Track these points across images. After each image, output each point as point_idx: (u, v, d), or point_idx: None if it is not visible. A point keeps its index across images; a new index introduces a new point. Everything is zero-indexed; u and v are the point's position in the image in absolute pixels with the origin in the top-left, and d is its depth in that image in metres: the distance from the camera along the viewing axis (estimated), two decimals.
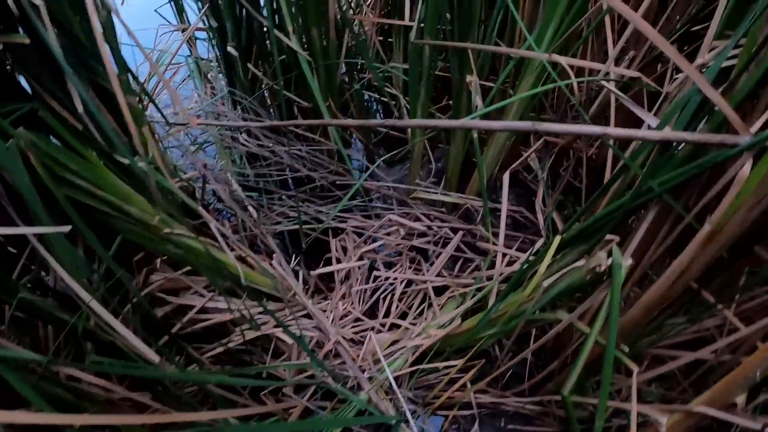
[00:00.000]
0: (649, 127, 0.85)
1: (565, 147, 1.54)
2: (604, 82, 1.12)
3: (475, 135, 1.26)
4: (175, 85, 1.88)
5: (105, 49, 0.91)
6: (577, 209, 1.52)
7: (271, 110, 1.61)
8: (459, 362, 1.18)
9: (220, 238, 1.20)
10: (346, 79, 1.64)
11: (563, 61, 1.12)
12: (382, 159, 1.09)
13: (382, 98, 1.68)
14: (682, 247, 0.81)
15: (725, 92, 0.73)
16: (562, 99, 1.57)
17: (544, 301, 0.97)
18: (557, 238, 1.02)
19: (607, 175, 1.18)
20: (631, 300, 0.97)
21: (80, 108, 1.03)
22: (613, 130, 0.80)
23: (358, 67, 1.66)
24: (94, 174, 1.02)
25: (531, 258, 1.24)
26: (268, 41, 1.44)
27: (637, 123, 1.41)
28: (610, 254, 0.88)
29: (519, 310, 1.03)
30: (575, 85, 1.15)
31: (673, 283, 0.84)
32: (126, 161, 1.04)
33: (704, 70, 0.85)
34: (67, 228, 0.77)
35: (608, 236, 0.91)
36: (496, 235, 1.33)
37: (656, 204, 0.85)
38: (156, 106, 1.36)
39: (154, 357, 0.98)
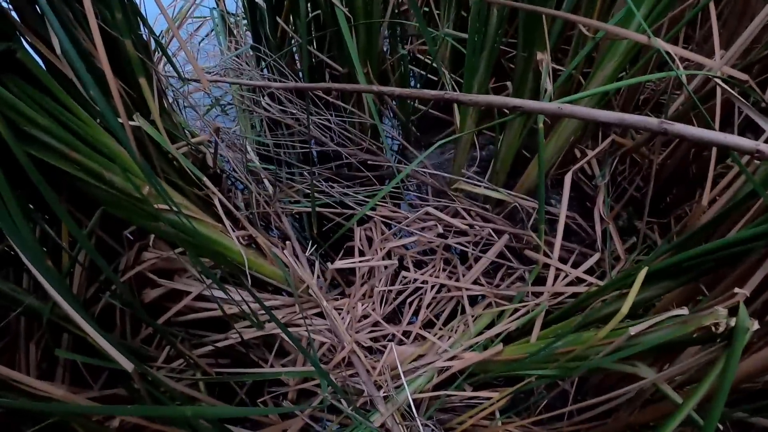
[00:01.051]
0: None
1: (629, 151, 1.21)
2: (720, 82, 0.79)
3: (541, 124, 0.94)
4: (198, 40, 1.56)
5: None
6: (636, 224, 1.20)
7: (300, 73, 1.29)
8: (493, 395, 0.89)
9: (224, 218, 0.91)
10: (387, 48, 1.31)
11: (669, 48, 0.79)
12: (436, 146, 0.78)
13: (428, 74, 1.34)
14: None
15: None
16: (633, 93, 1.23)
17: (628, 351, 0.68)
18: (643, 271, 0.72)
19: (706, 197, 0.86)
20: None
21: (58, 48, 0.74)
22: None
23: (404, 34, 1.32)
24: (66, 132, 0.72)
25: (592, 286, 0.95)
26: None
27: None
28: (732, 312, 0.59)
29: (586, 352, 0.73)
30: (684, 78, 0.82)
31: None
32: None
33: None
34: None
35: (737, 289, 0.61)
36: (547, 244, 1.03)
37: None
38: (168, 57, 1.05)
39: (127, 365, 0.70)
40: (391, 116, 1.41)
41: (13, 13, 0.77)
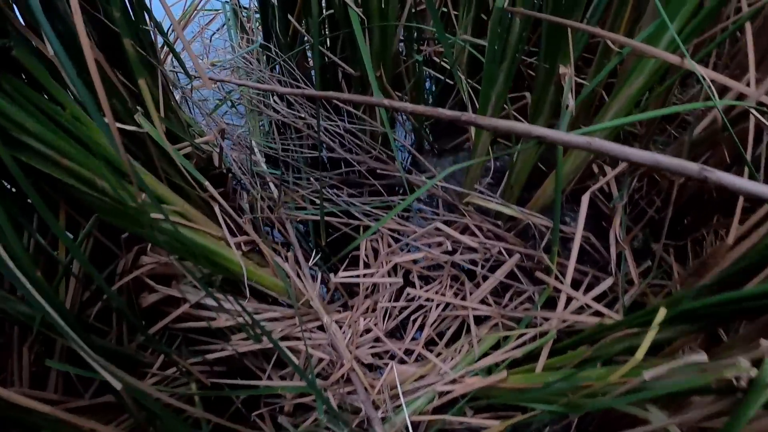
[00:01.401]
0: None
1: (650, 171, 1.13)
2: (758, 115, 0.72)
3: None
4: (209, 34, 1.50)
5: None
6: (653, 246, 1.13)
7: (311, 72, 1.22)
8: (494, 423, 0.84)
9: (225, 228, 0.86)
10: (402, 50, 1.24)
11: (703, 71, 0.71)
12: (449, 170, 0.70)
13: (445, 79, 1.27)
14: None
15: None
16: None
17: (641, 395, 0.62)
18: (662, 312, 0.66)
19: (733, 234, 0.79)
20: None
21: (50, 50, 0.68)
22: None
23: (421, 35, 1.25)
24: (63, 136, 0.67)
25: (605, 317, 0.89)
26: None
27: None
28: (756, 364, 0.53)
29: (595, 390, 0.68)
30: (719, 108, 0.73)
31: None
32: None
33: None
34: None
35: (762, 341, 0.54)
36: (558, 265, 0.97)
37: None
38: (175, 54, 0.99)
39: (116, 384, 0.66)
40: (403, 120, 1.34)
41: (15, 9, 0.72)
